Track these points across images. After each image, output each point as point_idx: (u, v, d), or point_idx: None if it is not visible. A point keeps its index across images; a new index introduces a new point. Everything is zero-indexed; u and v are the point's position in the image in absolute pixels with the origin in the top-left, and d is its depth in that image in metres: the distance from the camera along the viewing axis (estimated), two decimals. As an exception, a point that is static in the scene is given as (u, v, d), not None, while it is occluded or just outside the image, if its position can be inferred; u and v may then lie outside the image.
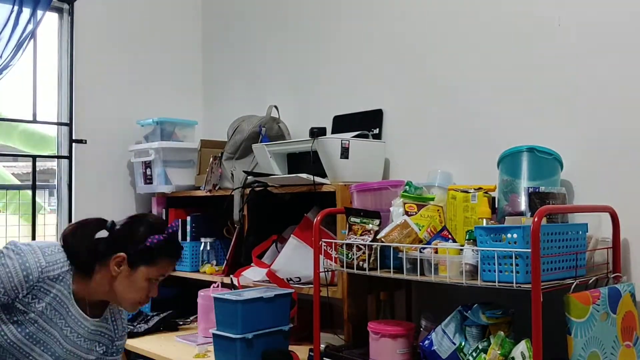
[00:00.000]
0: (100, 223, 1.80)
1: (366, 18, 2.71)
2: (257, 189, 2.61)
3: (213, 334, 2.23)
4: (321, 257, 2.11)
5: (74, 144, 3.22)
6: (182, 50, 3.65)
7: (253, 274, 2.51)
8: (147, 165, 3.22)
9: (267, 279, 2.42)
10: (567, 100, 2.03)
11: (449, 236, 1.87)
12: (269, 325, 2.22)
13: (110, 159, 3.34)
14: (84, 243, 1.75)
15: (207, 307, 2.56)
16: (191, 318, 3.03)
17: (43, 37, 3.22)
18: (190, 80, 3.68)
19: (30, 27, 2.98)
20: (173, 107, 3.55)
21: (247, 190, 2.66)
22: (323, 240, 2.12)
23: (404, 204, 1.99)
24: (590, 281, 1.71)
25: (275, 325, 2.24)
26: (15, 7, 2.92)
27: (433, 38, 2.44)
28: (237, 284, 2.52)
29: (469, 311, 1.83)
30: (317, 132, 2.43)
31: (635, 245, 1.86)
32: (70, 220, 3.19)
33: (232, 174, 2.79)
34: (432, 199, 2.05)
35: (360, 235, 2.00)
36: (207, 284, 2.80)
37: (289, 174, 2.56)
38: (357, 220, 2.03)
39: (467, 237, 1.77)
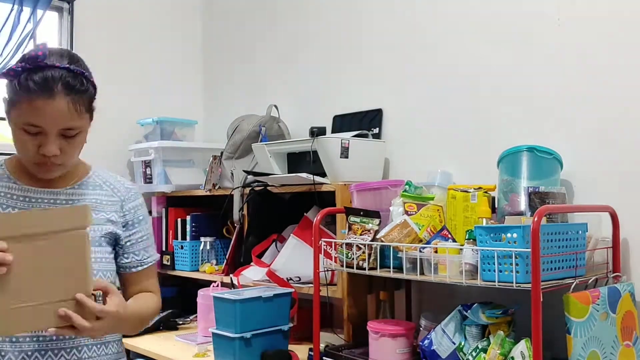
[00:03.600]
0: None
1: (366, 18, 2.71)
2: (257, 188, 2.61)
3: (212, 333, 2.23)
4: (321, 256, 2.11)
5: (74, 144, 3.22)
6: (182, 50, 3.65)
7: (253, 273, 2.51)
8: (147, 164, 3.22)
9: (267, 278, 2.42)
10: (567, 100, 2.03)
11: (449, 236, 1.87)
12: (268, 325, 2.21)
13: (110, 158, 3.34)
14: None
15: (207, 306, 2.56)
16: (191, 317, 3.03)
17: (43, 37, 3.22)
18: (190, 80, 3.68)
19: (30, 26, 2.98)
20: (173, 107, 3.54)
21: (247, 190, 2.66)
22: (323, 239, 2.12)
23: (404, 203, 1.99)
24: (590, 281, 1.71)
25: (275, 324, 2.23)
26: (15, 6, 2.92)
27: (433, 38, 2.43)
28: (236, 284, 2.52)
29: (469, 311, 1.83)
30: (317, 132, 2.43)
31: (635, 245, 1.86)
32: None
33: (232, 174, 2.79)
34: (432, 199, 2.05)
35: (360, 234, 2.00)
36: (207, 284, 2.80)
37: (288, 173, 2.56)
38: (357, 219, 2.03)
39: (467, 237, 1.77)
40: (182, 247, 3.08)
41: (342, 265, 2.04)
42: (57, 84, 1.32)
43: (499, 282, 1.61)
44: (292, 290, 2.33)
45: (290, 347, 2.27)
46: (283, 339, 2.26)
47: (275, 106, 2.94)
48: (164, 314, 2.91)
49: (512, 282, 1.58)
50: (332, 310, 2.59)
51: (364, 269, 1.95)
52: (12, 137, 1.38)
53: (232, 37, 3.49)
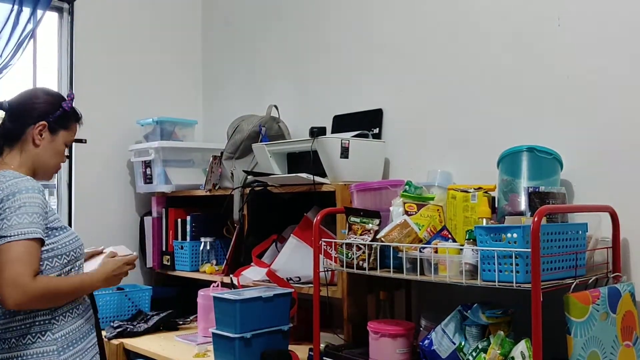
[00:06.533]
0: None
1: (366, 18, 2.71)
2: (257, 188, 2.61)
3: (212, 334, 2.23)
4: (321, 256, 2.11)
5: (74, 144, 3.22)
6: (182, 50, 3.65)
7: (253, 273, 2.51)
8: (147, 164, 3.22)
9: (267, 278, 2.42)
10: (567, 100, 2.03)
11: (449, 236, 1.87)
12: (268, 325, 2.21)
13: (110, 158, 3.34)
14: None
15: (207, 306, 2.56)
16: (191, 318, 3.03)
17: (43, 37, 3.22)
18: (190, 80, 3.68)
19: (30, 26, 2.98)
20: (173, 107, 3.55)
21: (247, 190, 2.66)
22: (323, 239, 2.12)
23: (404, 203, 1.99)
24: (590, 281, 1.70)
25: (275, 324, 2.24)
26: (15, 7, 2.92)
27: (433, 38, 2.44)
28: (237, 284, 2.52)
29: (469, 311, 1.83)
30: (317, 132, 2.43)
31: (635, 245, 1.86)
32: (70, 220, 3.19)
33: (232, 174, 2.79)
34: (432, 199, 2.05)
35: (360, 234, 2.00)
36: (207, 284, 2.81)
37: (288, 173, 2.56)
38: (357, 219, 2.03)
39: (467, 237, 1.77)
40: (182, 248, 3.08)
41: (342, 265, 2.04)
42: None
43: (499, 282, 1.61)
44: (292, 290, 2.33)
45: (290, 347, 2.27)
46: (283, 339, 2.26)
47: (275, 106, 2.94)
48: (164, 314, 2.92)
49: (512, 282, 1.58)
50: (332, 310, 2.59)
51: (364, 269, 1.95)
52: (47, 150, 1.81)
53: (232, 37, 3.49)
